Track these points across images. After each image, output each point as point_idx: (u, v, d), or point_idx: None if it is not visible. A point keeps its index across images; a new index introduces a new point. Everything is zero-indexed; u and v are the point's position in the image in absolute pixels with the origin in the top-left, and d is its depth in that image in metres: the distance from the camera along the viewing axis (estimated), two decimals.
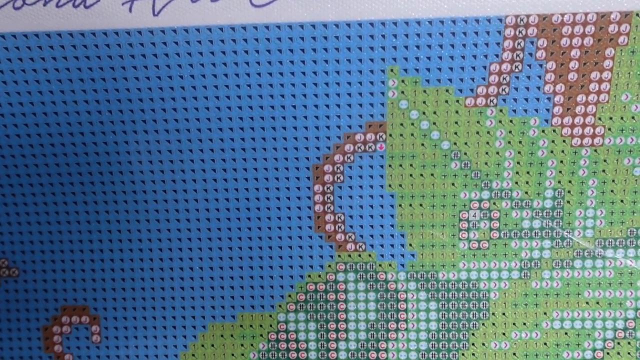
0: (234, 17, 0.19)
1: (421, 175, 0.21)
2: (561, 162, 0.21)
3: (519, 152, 0.21)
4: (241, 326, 0.22)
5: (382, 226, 0.21)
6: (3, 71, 0.20)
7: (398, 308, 0.22)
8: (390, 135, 0.20)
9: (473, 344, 0.22)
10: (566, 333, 0.22)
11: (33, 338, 0.23)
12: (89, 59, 0.20)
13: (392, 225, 0.21)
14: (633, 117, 0.20)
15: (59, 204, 0.21)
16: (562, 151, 0.20)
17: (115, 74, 0.20)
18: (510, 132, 0.20)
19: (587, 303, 0.21)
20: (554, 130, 0.20)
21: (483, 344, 0.22)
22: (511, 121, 0.20)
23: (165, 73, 0.20)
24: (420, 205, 0.21)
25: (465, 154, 0.21)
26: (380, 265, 0.22)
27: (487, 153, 0.21)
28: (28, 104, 0.20)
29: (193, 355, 0.22)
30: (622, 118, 0.20)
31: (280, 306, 0.22)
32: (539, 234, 0.21)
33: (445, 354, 0.22)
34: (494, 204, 0.21)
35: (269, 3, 0.19)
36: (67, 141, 0.21)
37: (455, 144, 0.21)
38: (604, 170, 0.21)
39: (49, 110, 0.20)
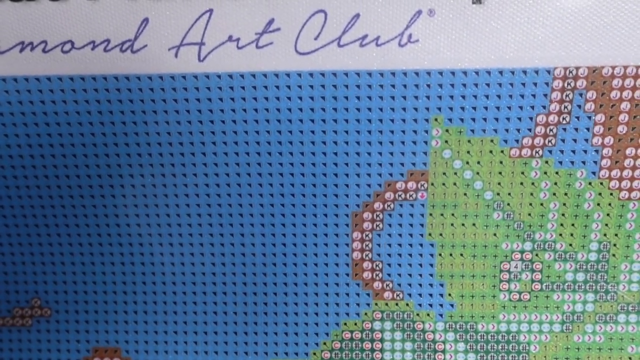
0: (279, 64, 0.19)
1: (462, 225, 0.20)
2: (607, 215, 0.20)
3: (564, 204, 0.20)
4: None
5: (420, 275, 0.21)
6: (47, 113, 0.20)
7: (435, 359, 0.21)
8: (432, 184, 0.20)
9: None
10: None
11: None
12: (132, 103, 0.20)
13: (431, 275, 0.21)
14: None
15: (94, 245, 0.21)
16: (609, 204, 0.20)
17: (157, 118, 0.20)
18: (555, 183, 0.20)
19: (630, 359, 0.21)
20: (601, 183, 0.20)
21: None
22: (557, 173, 0.20)
23: (207, 118, 0.20)
24: (461, 255, 0.21)
25: (509, 204, 0.20)
26: (417, 314, 0.21)
27: (530, 204, 0.20)
28: (69, 146, 0.20)
29: None
30: None
31: (314, 354, 0.22)
32: (583, 287, 0.21)
33: None
34: (537, 255, 0.21)
35: (314, 51, 0.19)
36: (105, 183, 0.21)
37: (498, 194, 0.20)
38: None
39: (89, 153, 0.20)
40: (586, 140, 0.19)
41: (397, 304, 0.21)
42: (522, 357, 0.21)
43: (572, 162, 0.20)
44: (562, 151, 0.20)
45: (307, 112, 0.19)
